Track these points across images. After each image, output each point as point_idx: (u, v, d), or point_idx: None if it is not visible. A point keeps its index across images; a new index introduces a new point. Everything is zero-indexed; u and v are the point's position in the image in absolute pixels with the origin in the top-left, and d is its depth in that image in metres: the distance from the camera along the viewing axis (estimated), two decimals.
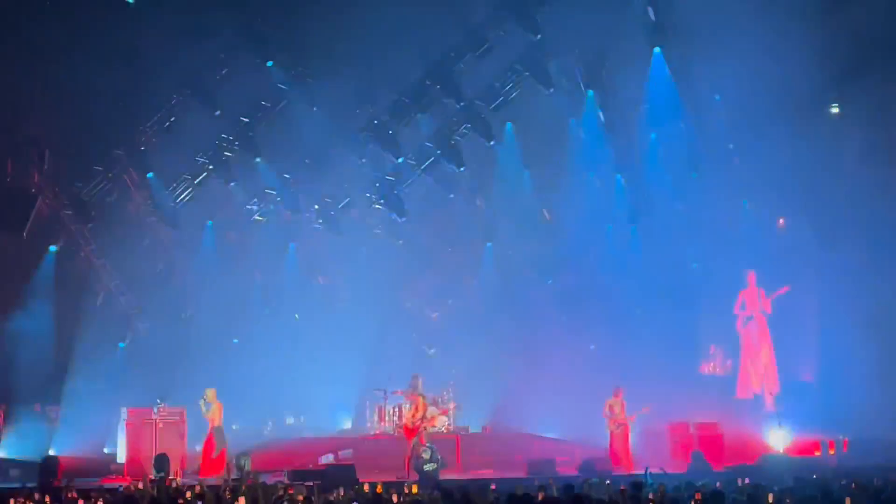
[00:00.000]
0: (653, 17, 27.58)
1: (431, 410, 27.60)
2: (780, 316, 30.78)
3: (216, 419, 24.79)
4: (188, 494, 16.75)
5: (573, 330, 30.52)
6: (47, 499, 16.48)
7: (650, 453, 27.05)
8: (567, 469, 25.67)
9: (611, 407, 27.20)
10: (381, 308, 31.13)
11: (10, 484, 23.77)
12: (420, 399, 27.07)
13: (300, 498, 16.14)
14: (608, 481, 17.44)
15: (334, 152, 29.00)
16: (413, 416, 26.56)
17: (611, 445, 26.96)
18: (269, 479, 21.77)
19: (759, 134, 29.14)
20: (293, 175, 29.14)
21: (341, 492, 17.06)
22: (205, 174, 28.17)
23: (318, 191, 29.56)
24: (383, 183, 29.07)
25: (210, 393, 24.91)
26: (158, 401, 25.76)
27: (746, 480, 18.67)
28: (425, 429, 26.53)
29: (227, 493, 16.40)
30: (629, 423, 27.06)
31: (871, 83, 28.68)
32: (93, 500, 16.68)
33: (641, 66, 28.54)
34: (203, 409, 24.86)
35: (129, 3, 25.65)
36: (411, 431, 26.36)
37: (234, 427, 29.43)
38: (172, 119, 27.40)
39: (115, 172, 27.36)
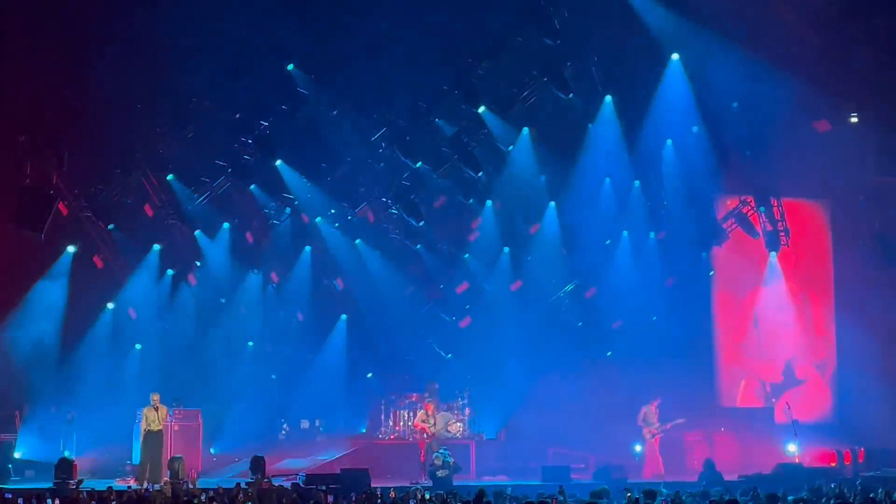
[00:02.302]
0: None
1: (444, 416, 27.67)
2: (795, 324, 30.80)
3: (161, 423, 24.65)
4: (202, 497, 16.81)
5: (589, 336, 30.50)
6: (56, 501, 16.54)
7: (665, 461, 27.12)
8: (582, 476, 25.67)
9: (646, 415, 27.21)
10: (397, 312, 31.14)
11: (25, 484, 23.92)
12: (432, 405, 27.15)
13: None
14: (629, 492, 17.39)
15: (352, 156, 29.05)
16: (425, 421, 26.66)
17: (646, 454, 26.99)
18: (284, 483, 21.85)
19: (777, 140, 29.10)
20: (311, 179, 29.18)
21: (353, 497, 17.10)
22: (223, 177, 28.21)
23: (336, 194, 29.59)
24: (400, 187, 29.08)
25: (156, 397, 24.67)
26: (174, 403, 25.82)
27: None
28: (437, 433, 26.64)
29: (241, 497, 16.45)
30: (661, 433, 27.10)
31: (890, 92, 28.61)
32: (105, 500, 16.75)
33: (659, 72, 28.50)
34: (156, 415, 24.54)
35: None
36: (429, 437, 26.46)
37: (248, 431, 29.47)
38: (191, 122, 27.44)
39: (133, 175, 27.41)
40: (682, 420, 27.50)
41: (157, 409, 24.59)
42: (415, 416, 28.24)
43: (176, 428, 25.72)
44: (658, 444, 27.28)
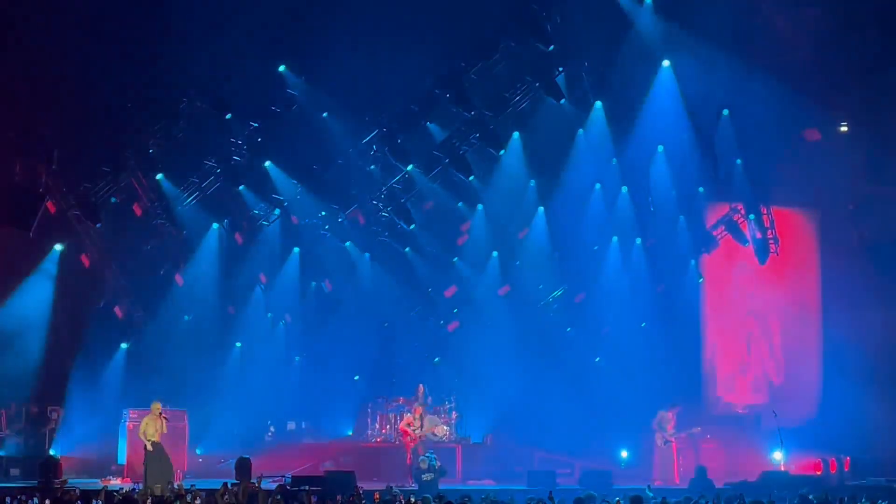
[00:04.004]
0: None
1: (432, 419, 27.65)
2: (783, 332, 30.84)
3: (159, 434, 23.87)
4: (188, 498, 16.76)
5: (578, 341, 30.51)
6: (47, 502, 16.48)
7: (656, 466, 27.14)
8: (567, 481, 25.66)
9: (661, 420, 27.15)
10: (385, 315, 31.13)
11: (10, 483, 23.83)
12: (420, 409, 27.13)
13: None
14: (618, 499, 17.40)
15: (342, 159, 29.04)
16: (410, 423, 26.65)
17: (655, 460, 26.95)
18: (270, 484, 21.81)
19: (767, 149, 29.15)
20: (301, 180, 29.16)
21: (339, 499, 17.07)
22: (213, 177, 28.17)
23: (325, 197, 29.57)
24: (391, 190, 29.07)
25: (159, 406, 23.91)
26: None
27: None
28: (423, 437, 26.62)
29: (225, 497, 16.41)
30: (675, 441, 27.05)
31: (880, 102, 28.66)
32: (91, 500, 16.71)
33: (650, 79, 28.54)
34: (157, 426, 23.66)
35: None
36: (412, 440, 26.43)
37: (234, 431, 29.45)
38: (182, 122, 27.39)
39: (123, 174, 27.35)
40: (699, 429, 27.49)
41: (161, 419, 23.84)
42: (401, 419, 28.23)
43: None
44: (675, 450, 27.22)
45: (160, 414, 23.68)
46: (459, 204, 30.18)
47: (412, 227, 29.44)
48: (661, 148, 29.60)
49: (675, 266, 30.34)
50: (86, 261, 28.00)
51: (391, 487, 19.24)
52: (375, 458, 27.87)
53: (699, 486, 23.51)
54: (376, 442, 28.85)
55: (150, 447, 23.18)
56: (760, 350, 31.03)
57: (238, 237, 29.89)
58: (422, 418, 27.04)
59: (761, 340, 31.08)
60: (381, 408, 29.21)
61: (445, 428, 28.31)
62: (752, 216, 30.26)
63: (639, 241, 30.35)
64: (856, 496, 19.63)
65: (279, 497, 16.80)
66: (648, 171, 29.72)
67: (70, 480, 23.21)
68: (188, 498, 16.68)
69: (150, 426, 23.57)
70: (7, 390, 26.93)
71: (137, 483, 23.18)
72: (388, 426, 28.78)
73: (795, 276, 31.03)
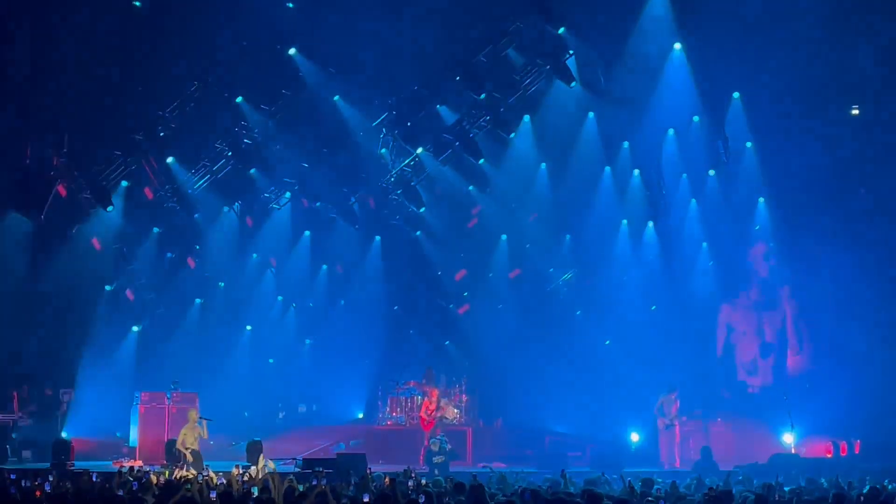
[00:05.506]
0: None
1: (444, 402, 27.76)
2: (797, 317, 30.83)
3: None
4: (199, 479, 16.80)
5: (588, 324, 30.53)
6: (61, 483, 16.54)
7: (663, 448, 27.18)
8: (579, 463, 25.72)
9: (663, 405, 27.18)
10: (395, 298, 31.17)
11: (23, 465, 23.95)
12: (436, 391, 27.22)
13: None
14: (629, 480, 17.45)
15: (353, 142, 29.04)
16: (428, 408, 26.71)
17: (661, 443, 27.01)
18: (281, 466, 21.90)
19: (778, 132, 29.08)
20: (311, 164, 29.18)
21: (352, 482, 17.12)
22: (223, 161, 28.20)
23: (336, 180, 29.58)
24: (401, 174, 29.08)
25: (195, 415, 23.87)
26: (172, 386, 25.83)
27: None
28: (441, 419, 26.72)
29: (240, 482, 16.47)
30: (679, 424, 27.06)
31: (892, 84, 28.55)
32: (103, 482, 16.78)
33: (661, 62, 28.47)
34: (196, 433, 23.46)
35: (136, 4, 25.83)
36: (429, 424, 26.53)
37: (245, 414, 29.57)
38: (192, 105, 27.40)
39: (133, 157, 27.37)
40: (698, 411, 27.53)
41: (199, 428, 23.53)
42: (412, 402, 28.30)
43: (174, 410, 25.73)
44: (678, 433, 27.22)
45: (199, 420, 23.62)
46: (470, 187, 30.18)
47: (422, 210, 29.47)
48: (671, 131, 29.57)
49: (687, 250, 30.31)
50: (97, 244, 28.07)
51: (408, 470, 19.25)
52: (386, 440, 27.94)
53: (704, 466, 23.53)
54: (387, 425, 28.92)
55: (190, 457, 23.12)
56: (775, 333, 30.97)
57: (249, 220, 29.95)
58: (440, 400, 27.17)
59: (771, 324, 31.04)
60: (391, 391, 29.27)
61: (456, 411, 28.38)
62: (761, 199, 30.23)
63: (650, 224, 30.33)
64: (865, 478, 19.65)
65: (292, 478, 16.86)
66: (659, 155, 29.69)
67: (81, 463, 23.30)
68: (199, 478, 16.73)
69: (189, 436, 23.48)
70: (21, 374, 27.04)
71: (151, 465, 23.27)
72: (398, 409, 28.84)
73: (806, 261, 30.95)
